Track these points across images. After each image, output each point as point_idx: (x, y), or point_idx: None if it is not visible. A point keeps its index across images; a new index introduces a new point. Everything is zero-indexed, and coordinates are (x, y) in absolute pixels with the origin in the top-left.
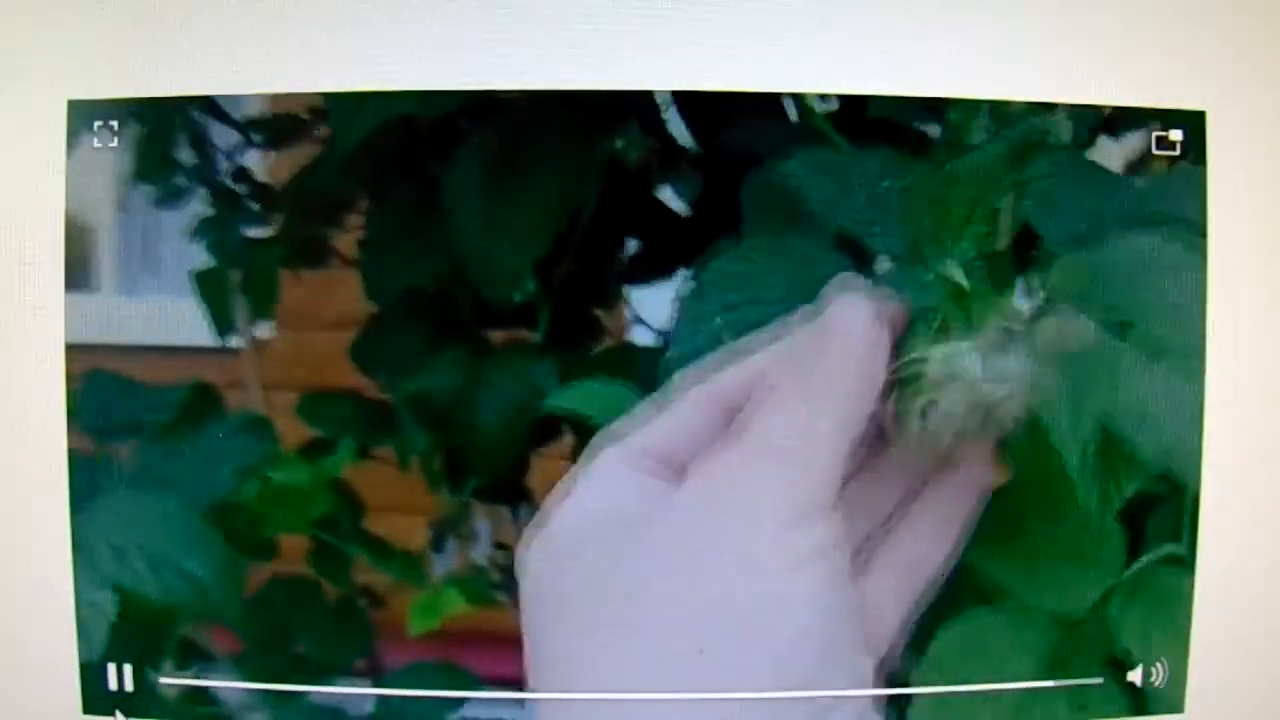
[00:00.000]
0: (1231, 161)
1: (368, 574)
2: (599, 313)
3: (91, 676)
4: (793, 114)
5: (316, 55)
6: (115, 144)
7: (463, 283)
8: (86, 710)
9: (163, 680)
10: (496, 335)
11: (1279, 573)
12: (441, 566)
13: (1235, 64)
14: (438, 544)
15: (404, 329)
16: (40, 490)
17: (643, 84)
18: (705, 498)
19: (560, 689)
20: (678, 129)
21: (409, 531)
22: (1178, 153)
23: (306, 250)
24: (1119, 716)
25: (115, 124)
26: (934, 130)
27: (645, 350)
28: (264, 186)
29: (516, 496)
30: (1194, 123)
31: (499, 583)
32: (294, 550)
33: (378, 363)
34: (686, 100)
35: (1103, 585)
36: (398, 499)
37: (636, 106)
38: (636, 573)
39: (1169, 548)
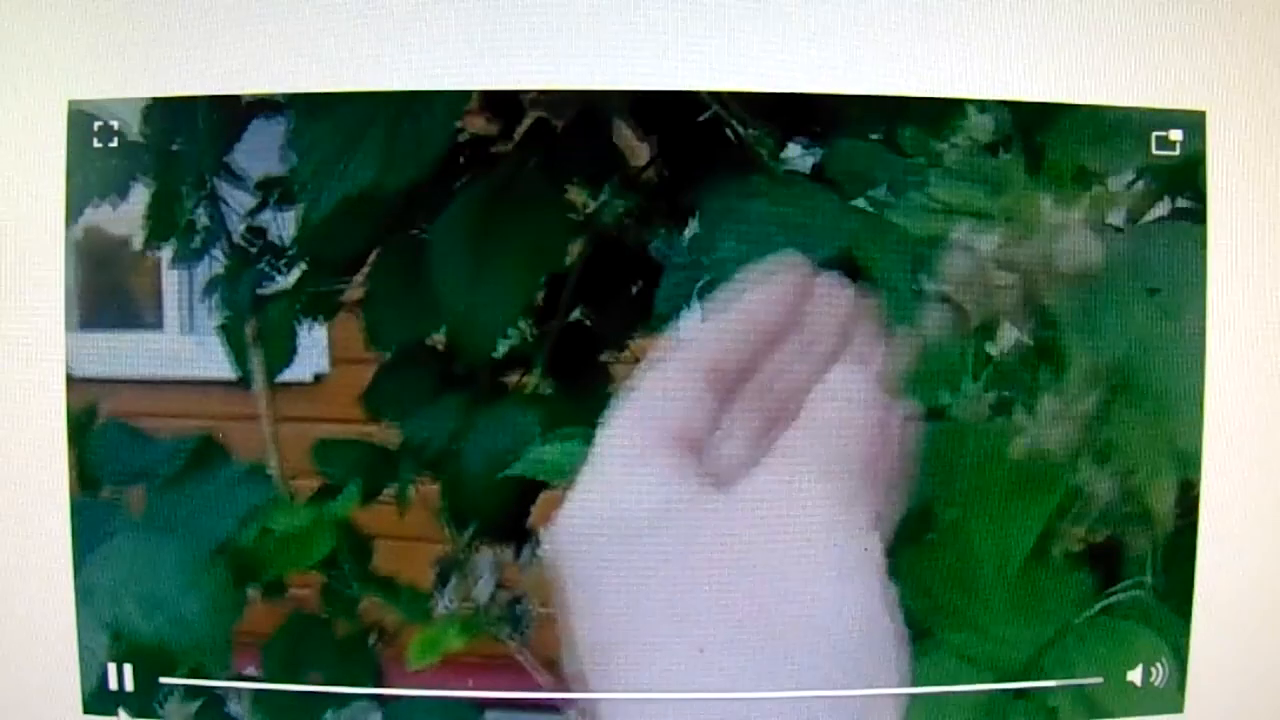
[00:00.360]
0: (1231, 161)
1: (375, 611)
2: (596, 360)
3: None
4: (769, 165)
5: (318, 55)
6: (115, 144)
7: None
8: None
9: (162, 680)
10: (492, 385)
11: (1278, 574)
12: (445, 605)
13: (1235, 64)
14: (442, 583)
15: (408, 378)
16: (43, 491)
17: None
18: (755, 508)
19: (609, 673)
20: (657, 182)
21: (414, 571)
22: (1178, 153)
23: (317, 304)
24: (1118, 716)
25: (115, 124)
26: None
27: None
28: (274, 244)
29: (519, 537)
30: (1194, 123)
31: (500, 618)
32: (306, 588)
33: (385, 410)
34: (664, 156)
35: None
36: (403, 540)
37: (614, 165)
38: (688, 572)
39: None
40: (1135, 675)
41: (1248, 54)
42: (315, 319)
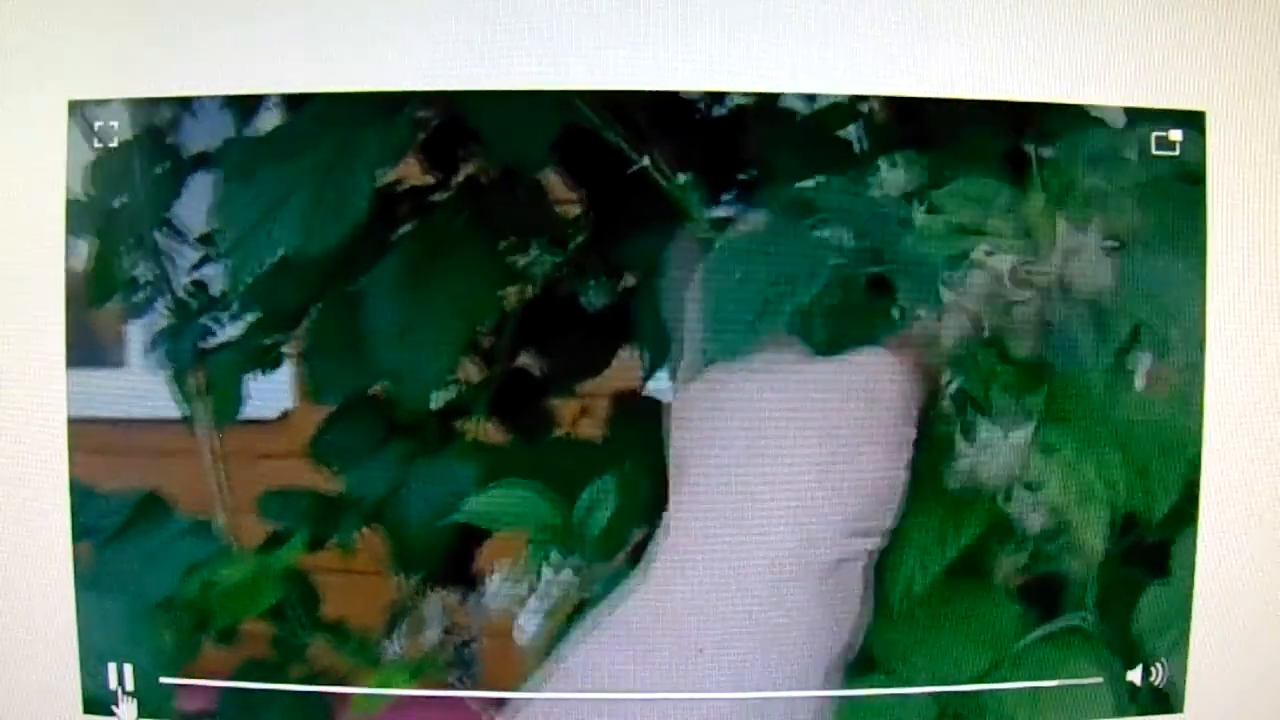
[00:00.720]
0: (1231, 161)
1: (326, 656)
2: (541, 406)
3: None
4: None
5: (317, 56)
6: (115, 144)
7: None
8: None
9: (163, 680)
10: (433, 434)
11: (1277, 574)
12: (394, 650)
13: (1235, 64)
14: (390, 628)
15: (353, 427)
16: (42, 489)
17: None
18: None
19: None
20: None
21: (364, 616)
22: (1177, 153)
23: (260, 357)
24: (1118, 717)
25: (115, 124)
26: None
27: (585, 445)
28: (215, 298)
29: (466, 581)
30: (1194, 123)
31: (450, 661)
32: (257, 635)
33: (331, 459)
34: (594, 213)
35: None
36: (352, 587)
37: (546, 224)
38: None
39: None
40: (1135, 675)
41: (1247, 54)
42: (260, 371)
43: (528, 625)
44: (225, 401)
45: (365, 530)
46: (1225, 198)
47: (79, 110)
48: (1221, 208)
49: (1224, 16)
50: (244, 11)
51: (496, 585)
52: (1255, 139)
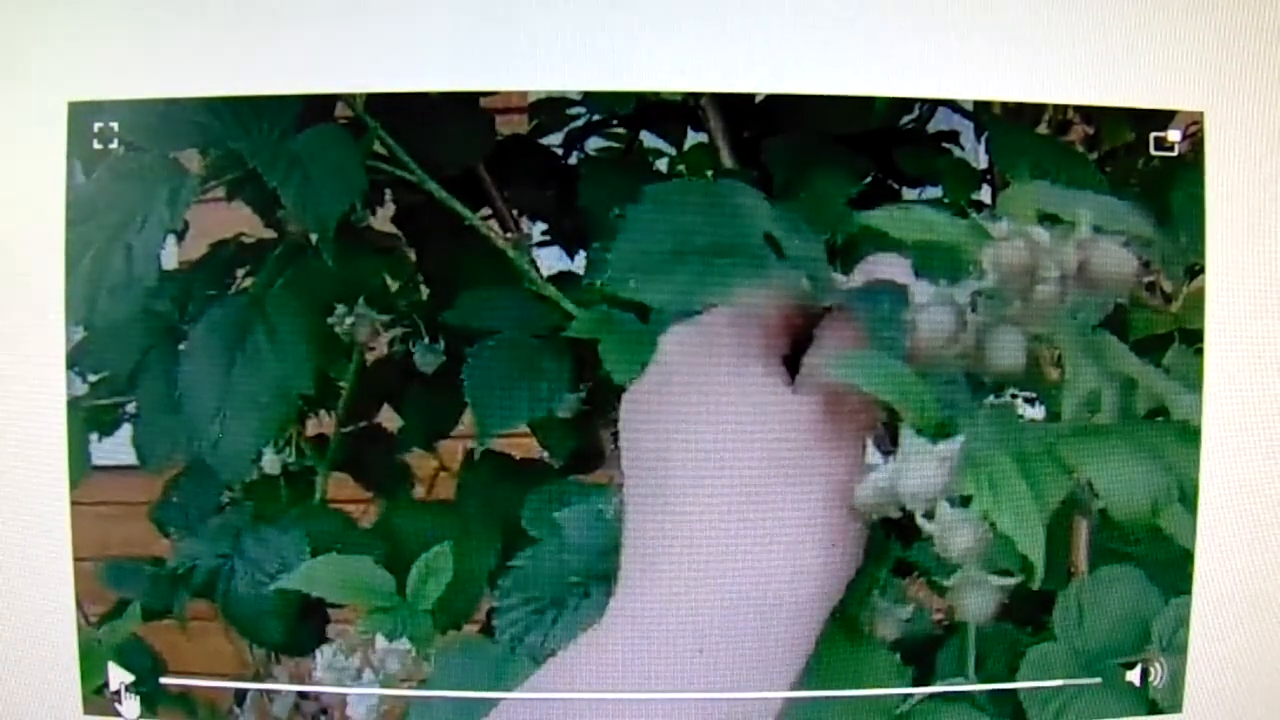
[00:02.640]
0: (1230, 161)
1: None
2: (393, 464)
3: None
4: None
5: (318, 57)
6: (115, 144)
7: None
8: None
9: (163, 680)
10: (262, 502)
11: (1276, 573)
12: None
13: (1235, 64)
14: (239, 700)
15: (188, 494)
16: (40, 484)
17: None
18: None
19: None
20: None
21: (210, 689)
22: (1176, 153)
23: (96, 418)
24: (1118, 717)
25: (115, 124)
26: None
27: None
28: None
29: (315, 645)
30: (1194, 123)
31: None
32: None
33: (169, 525)
34: (426, 274)
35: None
36: (199, 655)
37: (366, 284)
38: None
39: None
40: (1135, 675)
41: (1247, 54)
42: (99, 433)
43: (359, 702)
44: (75, 459)
45: (201, 600)
46: (1225, 197)
47: (79, 110)
48: (1221, 207)
49: (1224, 16)
50: (245, 12)
51: (329, 658)
52: (1255, 139)
